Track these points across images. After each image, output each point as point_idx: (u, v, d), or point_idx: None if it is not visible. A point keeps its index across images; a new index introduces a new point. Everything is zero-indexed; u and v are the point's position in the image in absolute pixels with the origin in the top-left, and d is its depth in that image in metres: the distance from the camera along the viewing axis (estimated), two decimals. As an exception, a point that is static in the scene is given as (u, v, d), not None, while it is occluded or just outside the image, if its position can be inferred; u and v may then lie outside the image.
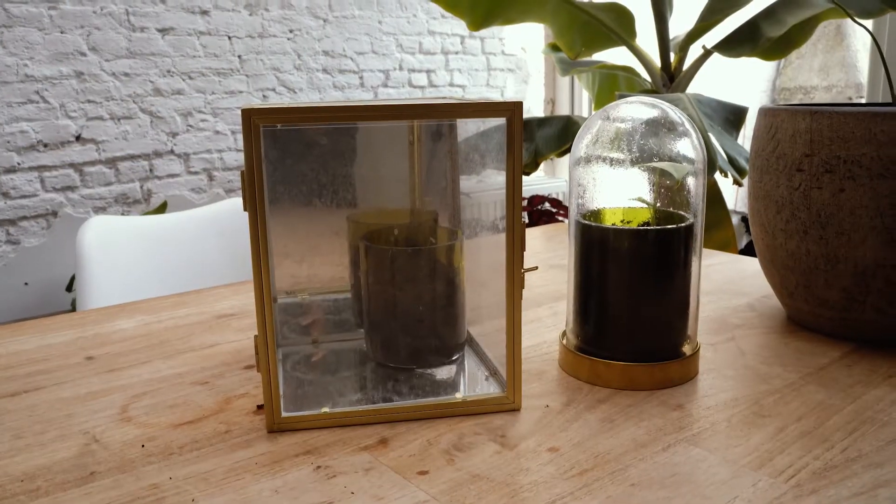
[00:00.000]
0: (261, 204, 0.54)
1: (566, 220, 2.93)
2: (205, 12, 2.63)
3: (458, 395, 0.61)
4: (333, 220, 0.74)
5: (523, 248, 0.57)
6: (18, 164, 2.34)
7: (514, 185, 0.56)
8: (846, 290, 0.72)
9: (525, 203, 3.14)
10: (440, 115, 0.56)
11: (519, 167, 0.55)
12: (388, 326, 0.66)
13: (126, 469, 0.53)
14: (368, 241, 0.67)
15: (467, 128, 0.66)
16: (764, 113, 0.76)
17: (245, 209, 0.54)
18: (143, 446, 0.56)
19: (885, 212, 0.67)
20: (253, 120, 0.52)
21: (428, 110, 0.55)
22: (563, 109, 3.77)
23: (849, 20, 2.67)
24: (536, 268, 0.63)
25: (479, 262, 0.66)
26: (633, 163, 0.63)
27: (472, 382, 0.65)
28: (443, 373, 0.66)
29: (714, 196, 1.94)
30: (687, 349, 0.67)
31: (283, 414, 0.58)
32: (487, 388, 0.62)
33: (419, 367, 0.67)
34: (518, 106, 0.55)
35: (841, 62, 2.89)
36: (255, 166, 0.53)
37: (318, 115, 0.54)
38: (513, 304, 0.58)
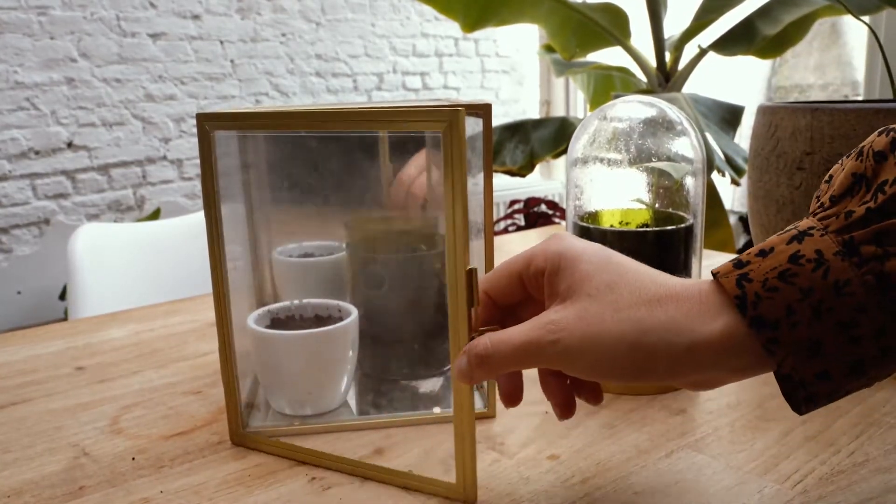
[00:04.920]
0: (217, 211, 0.52)
1: (563, 223, 2.92)
2: (196, 17, 2.62)
3: (436, 410, 0.59)
4: (326, 227, 0.73)
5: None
6: (9, 171, 2.33)
7: (485, 193, 0.54)
8: (849, 289, 0.70)
9: (521, 205, 3.13)
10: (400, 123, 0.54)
11: (489, 175, 0.53)
12: (374, 336, 0.64)
13: (116, 483, 0.51)
14: (354, 247, 0.65)
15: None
16: (763, 111, 0.75)
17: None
18: (133, 459, 0.55)
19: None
20: (205, 126, 0.51)
21: (395, 116, 0.53)
22: (558, 111, 3.77)
23: (844, 18, 2.67)
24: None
25: (474, 265, 0.65)
26: (631, 163, 0.62)
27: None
28: (428, 385, 0.65)
29: (711, 196, 1.93)
30: (688, 352, 0.66)
31: (255, 425, 0.57)
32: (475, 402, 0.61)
33: (405, 379, 0.65)
34: (458, 115, 0.42)
35: (836, 60, 2.89)
36: (210, 173, 0.51)
37: (267, 121, 0.52)
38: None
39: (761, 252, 0.37)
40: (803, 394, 0.36)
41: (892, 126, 0.37)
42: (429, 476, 0.49)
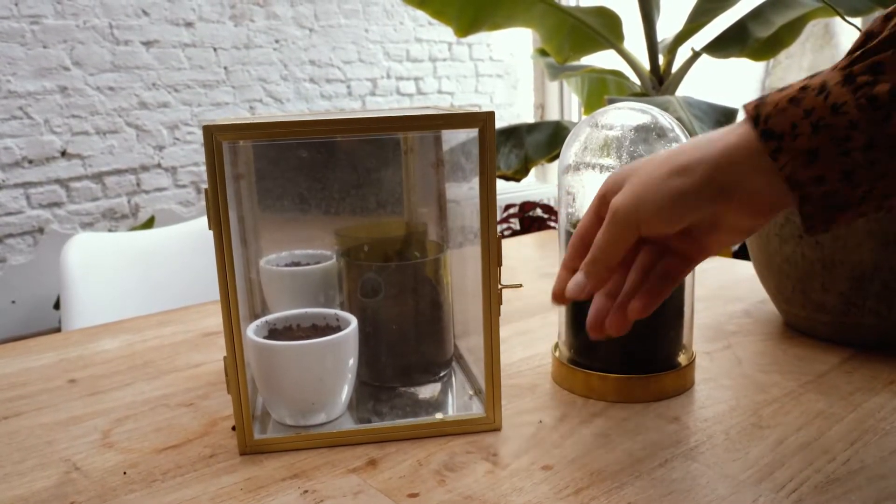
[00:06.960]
0: (226, 222, 0.52)
1: (558, 227, 2.91)
2: (189, 24, 2.61)
3: (438, 416, 0.59)
4: (320, 235, 0.72)
5: (499, 264, 0.56)
6: (3, 180, 2.32)
7: (487, 200, 0.54)
8: (843, 294, 0.70)
9: (516, 209, 3.13)
10: (407, 128, 0.55)
11: (493, 182, 0.54)
12: (370, 344, 0.64)
13: (107, 498, 0.51)
14: (349, 256, 0.65)
15: (456, 136, 0.65)
16: (755, 116, 0.75)
17: (210, 228, 0.52)
18: (124, 473, 0.54)
19: (882, 214, 0.66)
20: (214, 137, 0.51)
21: (396, 122, 0.53)
22: (552, 114, 3.77)
23: (837, 19, 2.67)
24: (520, 285, 0.60)
25: (467, 271, 0.65)
26: (623, 170, 0.62)
27: (456, 401, 0.63)
28: (426, 391, 0.65)
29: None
30: (682, 359, 0.65)
31: (256, 436, 0.57)
32: (471, 408, 0.61)
33: (403, 386, 0.65)
34: (490, 116, 0.53)
35: (830, 60, 2.89)
36: (218, 184, 0.51)
37: (279, 130, 0.52)
38: (490, 325, 0.56)
39: (781, 89, 0.44)
40: (799, 193, 0.42)
41: None
42: (458, 417, 0.59)
